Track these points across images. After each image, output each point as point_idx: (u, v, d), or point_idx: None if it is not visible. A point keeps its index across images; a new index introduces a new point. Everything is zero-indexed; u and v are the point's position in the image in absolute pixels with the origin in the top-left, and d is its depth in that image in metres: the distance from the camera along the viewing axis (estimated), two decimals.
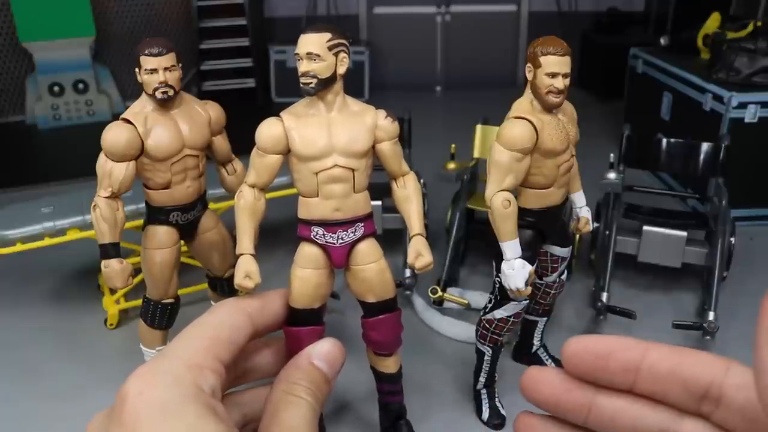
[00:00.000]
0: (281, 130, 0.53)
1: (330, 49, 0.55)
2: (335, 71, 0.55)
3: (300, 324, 0.56)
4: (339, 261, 0.54)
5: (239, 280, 0.50)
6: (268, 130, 0.54)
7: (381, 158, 0.57)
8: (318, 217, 0.54)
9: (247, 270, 0.51)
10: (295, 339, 0.54)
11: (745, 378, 0.36)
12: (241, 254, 0.54)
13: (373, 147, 0.56)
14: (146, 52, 1.89)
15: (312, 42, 0.54)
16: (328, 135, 0.54)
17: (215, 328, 0.47)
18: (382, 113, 0.54)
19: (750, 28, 3.63)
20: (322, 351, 0.50)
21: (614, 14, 6.25)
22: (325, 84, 0.54)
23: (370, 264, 0.52)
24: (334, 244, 0.55)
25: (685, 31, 4.23)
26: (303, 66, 0.55)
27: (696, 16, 4.25)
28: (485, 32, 6.68)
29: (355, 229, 0.55)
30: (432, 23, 6.65)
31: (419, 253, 0.45)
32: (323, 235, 0.54)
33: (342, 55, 0.56)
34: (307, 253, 0.55)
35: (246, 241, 0.54)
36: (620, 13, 6.27)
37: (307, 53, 0.54)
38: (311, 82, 0.54)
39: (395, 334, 0.57)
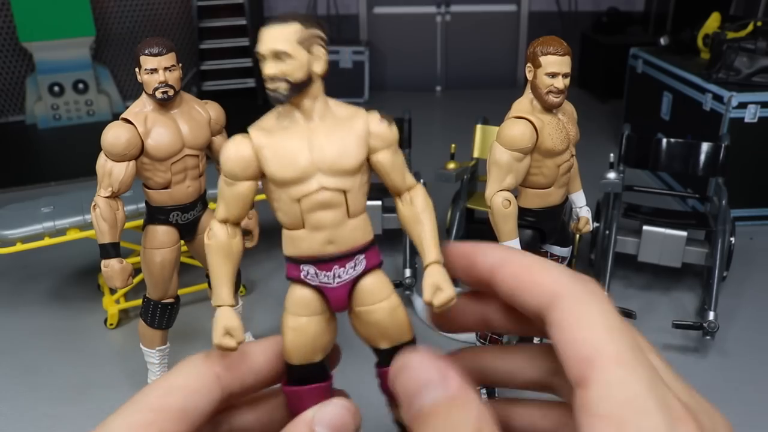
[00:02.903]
0: (249, 150, 0.39)
1: (301, 43, 0.40)
2: (310, 70, 0.41)
3: (298, 382, 0.40)
4: (338, 304, 0.40)
5: (218, 338, 0.36)
6: (233, 152, 0.39)
7: (378, 172, 0.43)
8: (307, 254, 0.40)
9: (227, 326, 0.37)
10: (295, 399, 0.46)
11: (564, 315, 0.35)
12: (218, 306, 0.40)
13: (368, 159, 0.43)
14: (146, 51, 1.89)
15: (278, 37, 0.39)
16: (309, 151, 0.40)
17: (165, 393, 0.38)
18: (375, 116, 0.41)
19: (750, 28, 3.63)
20: (326, 416, 0.40)
21: (614, 14, 6.25)
22: (298, 88, 0.40)
23: (378, 304, 0.39)
24: (330, 284, 0.40)
25: (685, 31, 4.22)
26: (268, 68, 0.40)
27: (696, 16, 4.24)
28: (485, 32, 6.68)
29: (355, 264, 0.40)
30: (432, 23, 6.64)
31: (438, 287, 0.34)
32: (316, 274, 0.40)
33: (317, 49, 0.41)
34: (299, 297, 0.40)
35: (223, 291, 0.39)
36: (620, 13, 6.27)
37: (273, 52, 0.40)
38: (279, 87, 0.40)
39: None
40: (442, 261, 0.45)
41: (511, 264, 0.39)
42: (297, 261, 0.47)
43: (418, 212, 0.50)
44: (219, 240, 0.46)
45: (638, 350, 0.33)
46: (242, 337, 0.43)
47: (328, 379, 0.49)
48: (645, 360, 0.32)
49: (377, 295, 0.47)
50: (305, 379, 0.46)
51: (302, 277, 0.47)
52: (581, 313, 0.34)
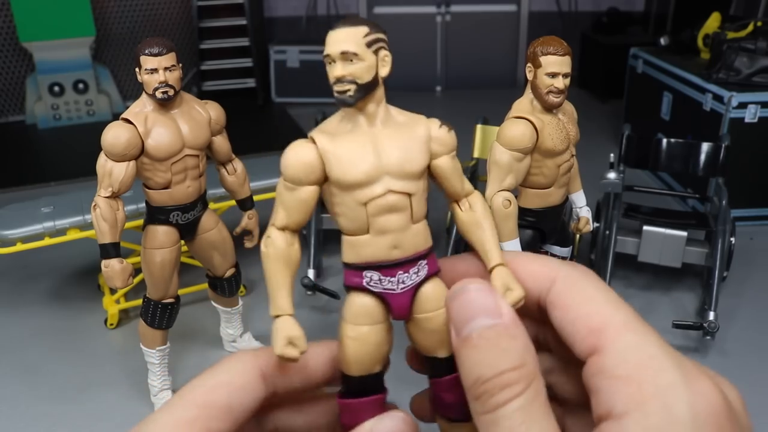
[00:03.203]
0: (314, 154, 0.39)
1: (369, 45, 0.41)
2: (377, 74, 0.41)
3: (355, 394, 0.39)
4: (401, 311, 0.39)
5: (280, 348, 0.35)
6: (297, 156, 0.38)
7: (438, 177, 0.43)
8: (371, 259, 0.40)
9: (289, 335, 0.41)
10: (351, 412, 0.44)
11: (564, 295, 0.37)
12: (278, 316, 0.38)
13: (429, 165, 0.43)
14: (146, 51, 1.89)
15: (347, 38, 0.39)
16: (376, 154, 0.40)
17: (211, 390, 0.38)
18: (435, 122, 0.42)
19: (750, 28, 3.63)
20: (384, 429, 0.38)
21: (614, 14, 6.24)
22: (366, 90, 0.40)
23: (440, 310, 0.38)
24: (394, 290, 0.40)
25: (685, 31, 4.22)
26: (337, 69, 0.40)
27: (696, 16, 4.24)
28: (485, 32, 6.68)
29: (418, 269, 0.40)
30: (432, 23, 6.65)
31: (508, 287, 0.34)
32: (380, 280, 0.39)
33: (383, 52, 0.42)
34: (360, 305, 0.39)
35: (283, 299, 0.44)
36: (620, 13, 6.27)
37: (342, 53, 0.40)
38: (349, 89, 0.39)
39: None
40: (505, 263, 0.45)
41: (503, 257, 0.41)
42: (359, 267, 0.46)
43: (479, 217, 0.50)
44: (278, 248, 0.44)
45: (642, 319, 0.35)
46: (305, 347, 0.41)
47: (384, 391, 0.47)
48: (651, 327, 0.35)
49: (439, 301, 0.46)
50: (362, 391, 0.45)
51: (365, 284, 0.46)
52: (581, 292, 0.36)
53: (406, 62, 6.66)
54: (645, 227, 2.78)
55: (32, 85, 5.55)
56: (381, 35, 0.47)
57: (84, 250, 3.09)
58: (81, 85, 5.53)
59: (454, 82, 6.74)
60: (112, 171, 1.89)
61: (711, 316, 2.47)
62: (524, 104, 1.89)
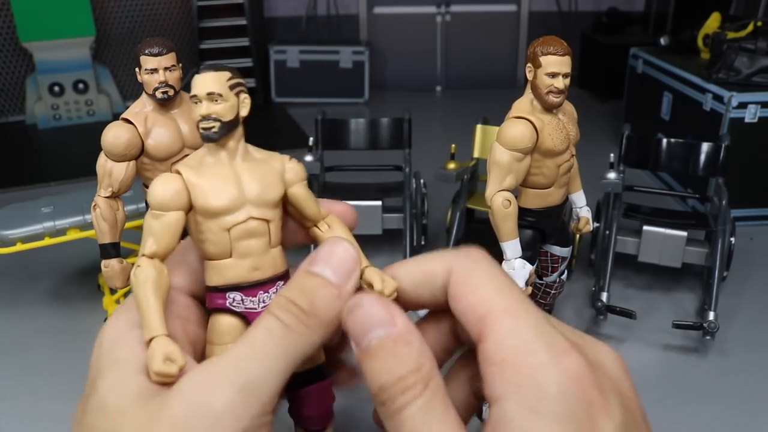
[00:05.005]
0: (180, 183, 0.43)
1: (231, 88, 0.48)
2: (238, 113, 0.47)
3: None
4: None
5: (158, 366, 0.36)
6: (163, 187, 0.42)
7: (296, 204, 0.47)
8: (234, 281, 0.42)
9: (165, 352, 0.42)
10: None
11: (456, 287, 0.39)
12: (153, 337, 0.39)
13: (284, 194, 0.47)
14: (146, 51, 1.90)
15: (212, 81, 0.46)
16: (237, 185, 0.44)
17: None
18: (286, 157, 0.48)
19: (750, 28, 3.63)
20: (316, 256, 0.42)
21: (614, 14, 6.25)
22: (228, 128, 0.46)
23: None
24: (255, 309, 0.43)
25: (685, 31, 4.22)
26: (203, 108, 0.46)
27: (696, 16, 4.25)
28: (485, 32, 6.68)
29: (276, 289, 0.43)
30: (432, 23, 6.65)
31: (383, 279, 0.37)
32: (242, 300, 0.42)
33: (243, 96, 0.50)
34: (224, 325, 0.41)
35: (155, 321, 0.45)
36: (620, 13, 6.27)
37: (208, 93, 0.46)
38: (214, 126, 0.45)
39: (327, 406, 0.46)
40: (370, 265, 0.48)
41: (401, 266, 0.44)
42: (222, 289, 0.49)
43: (339, 233, 0.52)
44: (148, 274, 0.46)
45: (526, 302, 0.37)
46: (183, 361, 0.41)
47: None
48: (532, 309, 0.37)
49: None
50: None
51: (228, 304, 0.49)
52: (471, 281, 0.39)
53: (406, 62, 6.67)
54: (645, 227, 2.78)
55: (32, 85, 5.56)
56: (241, 80, 0.54)
57: (84, 250, 3.09)
58: (81, 85, 5.53)
59: (454, 82, 6.74)
60: (112, 171, 1.89)
61: (711, 316, 2.47)
62: (524, 104, 1.90)
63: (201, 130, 0.51)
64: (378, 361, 0.37)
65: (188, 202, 0.49)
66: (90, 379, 0.41)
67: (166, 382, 0.40)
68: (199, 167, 0.51)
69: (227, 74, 0.53)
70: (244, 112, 0.54)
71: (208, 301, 0.50)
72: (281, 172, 0.53)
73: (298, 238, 0.53)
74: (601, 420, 0.33)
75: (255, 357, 0.38)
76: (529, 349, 0.34)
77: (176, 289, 0.47)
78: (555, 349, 0.34)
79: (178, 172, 0.50)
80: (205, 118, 0.51)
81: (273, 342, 0.39)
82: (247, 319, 0.49)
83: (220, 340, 0.49)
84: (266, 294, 0.50)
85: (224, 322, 0.49)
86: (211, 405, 0.36)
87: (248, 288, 0.50)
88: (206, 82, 0.52)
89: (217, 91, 0.52)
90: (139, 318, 0.44)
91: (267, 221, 0.50)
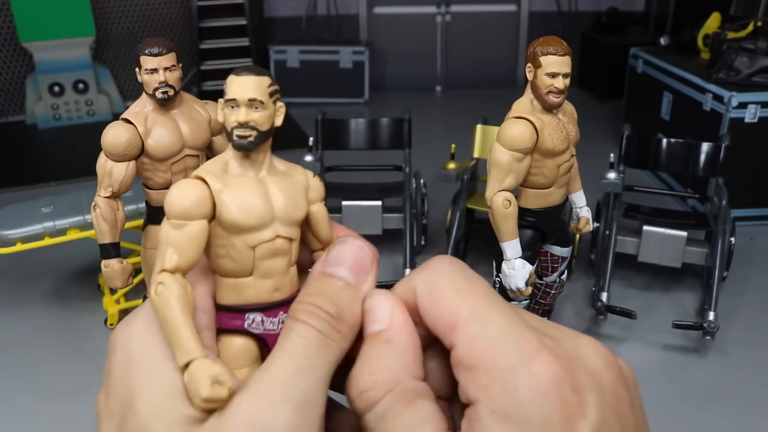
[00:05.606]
0: (204, 190, 0.39)
1: (271, 95, 0.43)
2: (273, 123, 0.42)
3: None
4: None
5: (206, 391, 0.33)
6: (185, 193, 0.38)
7: (313, 223, 0.44)
8: (254, 301, 0.39)
9: (212, 375, 0.39)
10: None
11: (421, 300, 0.39)
12: (192, 360, 0.40)
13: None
14: (146, 51, 1.89)
15: (254, 86, 0.40)
16: (266, 200, 0.40)
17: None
18: (309, 173, 0.43)
19: (750, 28, 3.63)
20: (331, 257, 0.42)
21: (614, 14, 6.25)
22: (264, 138, 0.41)
23: None
24: (274, 330, 0.39)
25: (685, 31, 4.22)
26: (241, 115, 0.40)
27: (696, 16, 4.24)
28: (485, 32, 6.68)
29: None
30: (432, 23, 6.65)
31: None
32: (261, 322, 0.38)
33: (279, 103, 0.44)
34: (238, 348, 0.38)
35: (191, 343, 0.41)
36: (620, 13, 6.27)
37: (250, 99, 0.41)
38: (250, 135, 0.40)
39: None
40: None
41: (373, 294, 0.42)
42: (241, 310, 0.45)
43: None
44: (174, 290, 0.42)
45: (492, 299, 0.36)
46: (232, 383, 0.38)
47: None
48: (498, 305, 0.36)
49: None
50: None
51: (246, 326, 0.45)
52: (434, 292, 0.38)
53: (406, 62, 6.67)
54: (645, 227, 2.78)
55: (32, 85, 5.56)
56: (278, 87, 0.49)
57: (84, 250, 3.09)
58: (81, 85, 5.53)
59: (454, 82, 6.74)
60: (112, 171, 1.89)
61: (711, 316, 2.47)
62: (524, 104, 1.90)
63: (235, 138, 0.47)
64: (361, 355, 0.37)
65: (211, 211, 0.45)
66: (119, 389, 0.38)
67: (215, 408, 0.37)
68: (222, 175, 0.46)
69: (268, 80, 0.48)
70: (279, 121, 0.49)
71: (220, 320, 0.45)
72: (306, 188, 0.49)
73: (303, 260, 0.50)
74: (575, 421, 0.32)
75: (303, 371, 0.37)
76: (497, 351, 0.34)
77: (201, 293, 0.44)
78: (525, 350, 0.34)
79: (202, 179, 0.45)
80: (243, 125, 0.47)
81: (314, 352, 0.37)
82: (265, 341, 0.45)
83: (236, 364, 0.45)
84: (285, 314, 0.46)
85: (238, 345, 0.45)
86: (270, 427, 0.35)
87: (269, 309, 0.46)
88: (247, 86, 0.47)
89: (259, 98, 0.47)
90: (167, 338, 0.40)
91: (291, 240, 0.47)
